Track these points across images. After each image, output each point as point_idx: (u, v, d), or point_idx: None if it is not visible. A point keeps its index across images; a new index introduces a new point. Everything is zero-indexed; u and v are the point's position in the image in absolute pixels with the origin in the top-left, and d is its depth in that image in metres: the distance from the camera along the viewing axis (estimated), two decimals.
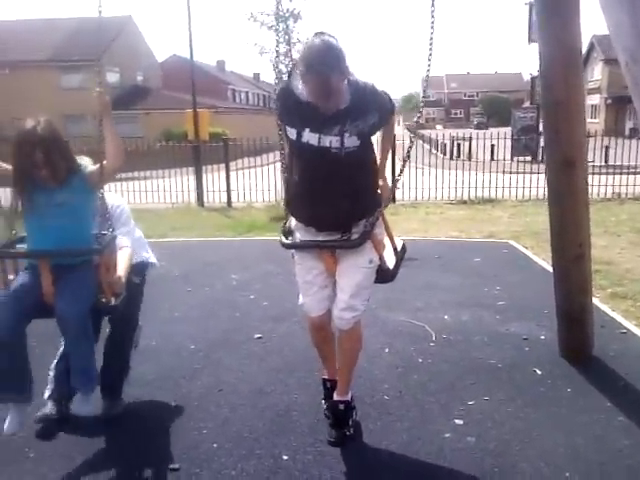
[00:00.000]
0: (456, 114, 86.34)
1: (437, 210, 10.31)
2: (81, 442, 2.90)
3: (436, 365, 3.72)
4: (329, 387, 3.11)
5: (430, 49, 2.71)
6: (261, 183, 11.60)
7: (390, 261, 2.90)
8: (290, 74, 2.65)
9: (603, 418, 3.04)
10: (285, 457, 2.75)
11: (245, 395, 3.37)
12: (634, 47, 1.91)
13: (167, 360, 3.88)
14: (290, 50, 8.96)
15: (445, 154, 18.70)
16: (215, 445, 2.86)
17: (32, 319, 2.63)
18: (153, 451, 2.83)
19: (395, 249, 2.96)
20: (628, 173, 11.35)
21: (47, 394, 3.05)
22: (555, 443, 2.82)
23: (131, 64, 35.99)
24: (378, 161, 2.81)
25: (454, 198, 11.41)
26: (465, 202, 11.18)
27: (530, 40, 21.19)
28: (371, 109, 2.55)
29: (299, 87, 2.52)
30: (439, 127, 62.13)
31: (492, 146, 17.32)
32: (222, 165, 12.27)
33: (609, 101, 35.61)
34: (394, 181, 3.04)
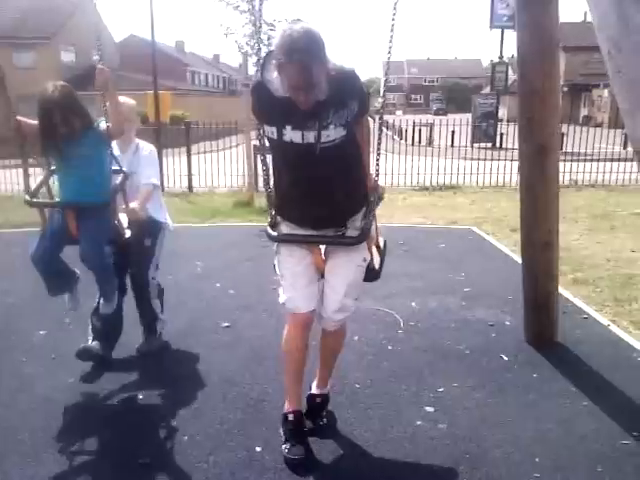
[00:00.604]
0: (416, 99, 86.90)
1: (400, 196, 10.35)
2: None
3: (405, 352, 3.74)
4: (294, 421, 2.71)
5: (391, 33, 2.52)
6: (223, 167, 11.44)
7: (376, 258, 2.78)
8: (263, 67, 2.38)
9: (569, 403, 3.11)
10: (258, 449, 2.72)
11: (215, 385, 3.32)
12: (618, 36, 1.92)
13: (133, 350, 3.78)
14: (256, 31, 8.83)
15: (406, 140, 18.82)
16: (185, 437, 2.81)
17: (65, 246, 3.25)
18: (121, 445, 2.77)
19: (378, 246, 2.85)
20: (585, 160, 11.62)
21: (90, 341, 3.56)
22: (524, 428, 2.87)
23: (87, 43, 34.92)
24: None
25: (416, 184, 11.48)
26: (427, 188, 11.28)
27: (492, 26, 21.45)
28: (353, 96, 2.38)
29: (273, 81, 2.30)
30: (399, 113, 62.38)
31: (452, 132, 17.51)
32: (182, 149, 12.05)
33: (565, 89, 36.34)
34: (377, 174, 2.70)
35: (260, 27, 8.85)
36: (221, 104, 35.58)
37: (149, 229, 3.66)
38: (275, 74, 2.26)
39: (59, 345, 3.89)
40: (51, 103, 2.98)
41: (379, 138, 2.57)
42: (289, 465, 2.57)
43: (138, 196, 3.47)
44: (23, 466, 2.60)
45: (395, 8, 2.48)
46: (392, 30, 2.51)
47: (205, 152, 12.27)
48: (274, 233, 2.68)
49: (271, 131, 2.45)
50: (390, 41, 2.54)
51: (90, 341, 3.57)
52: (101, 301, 3.52)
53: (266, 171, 2.74)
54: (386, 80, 2.74)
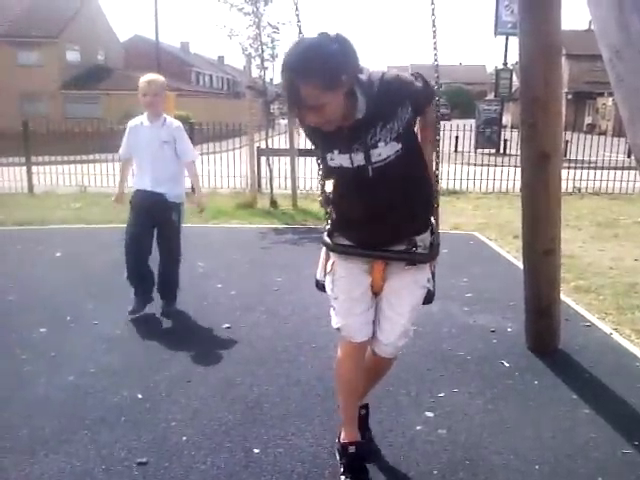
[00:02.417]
0: None
1: None
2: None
3: (406, 356, 3.70)
4: (355, 454, 2.47)
5: (434, 37, 2.28)
6: (226, 169, 11.43)
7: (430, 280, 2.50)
8: None
9: (570, 410, 3.09)
10: (256, 450, 2.70)
11: (214, 386, 3.31)
12: (620, 44, 1.91)
13: (133, 350, 3.79)
14: (260, 34, 8.83)
15: None
16: (184, 438, 2.80)
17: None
18: (119, 444, 2.75)
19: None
20: (589, 168, 11.60)
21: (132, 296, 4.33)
22: (524, 436, 2.85)
23: (92, 43, 35.04)
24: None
25: None
26: None
27: (496, 33, 21.46)
28: (402, 101, 2.07)
29: None
30: None
31: (456, 138, 17.50)
32: None
33: (569, 96, 36.38)
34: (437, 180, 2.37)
35: (264, 29, 8.86)
36: (225, 106, 35.65)
37: (177, 207, 4.27)
38: None
39: (59, 343, 3.88)
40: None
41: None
42: None
43: (192, 177, 4.43)
44: (21, 464, 2.59)
45: (434, 11, 2.27)
46: (434, 35, 2.28)
47: (209, 153, 12.26)
48: (329, 241, 2.37)
49: (322, 157, 2.23)
50: (435, 47, 2.29)
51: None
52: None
53: (321, 176, 2.39)
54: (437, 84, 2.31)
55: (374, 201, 2.20)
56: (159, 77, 4.15)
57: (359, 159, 2.12)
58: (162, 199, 4.21)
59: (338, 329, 2.41)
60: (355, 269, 2.34)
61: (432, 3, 2.28)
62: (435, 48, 2.30)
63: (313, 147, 2.32)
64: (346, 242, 2.35)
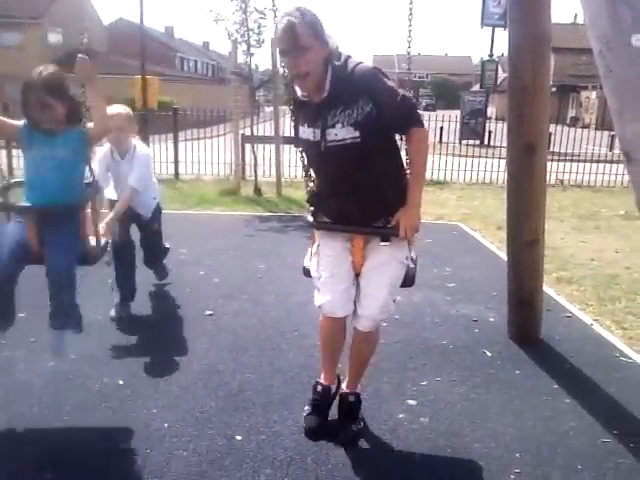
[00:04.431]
0: None
1: None
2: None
3: (389, 345, 3.73)
4: (321, 391, 2.82)
5: (410, 26, 2.66)
6: (210, 155, 11.34)
7: (413, 264, 2.68)
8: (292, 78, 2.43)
9: (551, 400, 3.12)
10: (239, 437, 2.69)
11: (196, 373, 3.29)
12: (610, 35, 1.91)
13: (114, 336, 3.75)
14: (246, 19, 8.74)
15: None
16: (166, 425, 2.78)
17: (25, 266, 2.81)
18: (100, 431, 2.73)
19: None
20: (572, 160, 11.68)
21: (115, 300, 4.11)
22: (505, 424, 2.88)
23: (75, 25, 34.43)
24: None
25: None
26: None
27: (483, 24, 21.46)
28: (363, 93, 2.27)
29: (296, 86, 2.41)
30: None
31: (441, 129, 17.52)
32: (169, 135, 11.92)
33: (553, 89, 36.58)
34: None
35: (250, 14, 8.77)
36: (210, 92, 35.31)
37: (156, 215, 4.23)
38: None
39: (39, 328, 3.81)
40: (34, 89, 2.63)
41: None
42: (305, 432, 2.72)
43: (121, 200, 3.80)
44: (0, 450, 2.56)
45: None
46: (410, 24, 2.66)
47: (193, 139, 12.16)
48: (311, 219, 2.63)
49: (295, 130, 2.52)
50: (409, 36, 2.69)
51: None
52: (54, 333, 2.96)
53: (303, 161, 2.65)
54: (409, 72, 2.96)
55: (333, 175, 2.45)
56: (123, 109, 3.77)
57: (318, 135, 2.36)
58: (141, 218, 4.15)
59: (320, 307, 2.62)
60: (337, 248, 2.56)
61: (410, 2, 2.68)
62: (410, 36, 2.67)
63: (293, 121, 2.56)
64: (326, 219, 2.59)
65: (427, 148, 2.49)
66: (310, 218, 2.63)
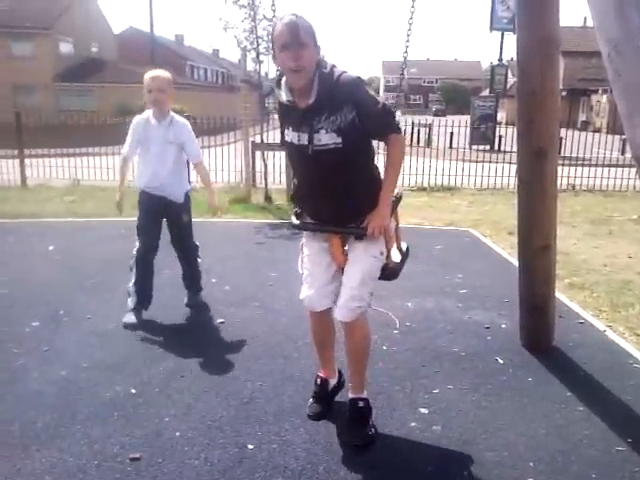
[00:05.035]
0: (415, 100, 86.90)
1: None
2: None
3: (400, 353, 3.72)
4: (319, 384, 3.04)
5: (409, 30, 2.86)
6: (220, 163, 11.38)
7: (396, 259, 2.88)
8: (277, 82, 2.58)
9: (564, 408, 3.09)
10: (250, 446, 2.69)
11: (208, 382, 3.29)
12: (619, 38, 1.90)
13: (126, 344, 3.77)
14: (255, 27, 8.79)
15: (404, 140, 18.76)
16: (178, 434, 2.78)
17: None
18: (112, 439, 2.73)
19: (400, 249, 2.95)
20: (583, 165, 11.61)
21: (130, 306, 4.17)
22: (518, 433, 2.85)
23: (85, 35, 34.82)
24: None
25: (414, 185, 11.46)
26: (425, 189, 11.25)
27: (492, 29, 21.44)
28: (347, 101, 2.43)
29: (282, 92, 2.54)
30: (398, 113, 62.24)
31: (451, 134, 17.50)
32: None
33: (564, 93, 36.44)
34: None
35: (259, 22, 8.81)
36: (220, 99, 35.50)
37: (187, 204, 4.28)
38: (282, 81, 2.51)
39: (52, 337, 3.86)
40: None
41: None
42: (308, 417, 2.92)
43: (203, 178, 4.45)
44: (12, 459, 2.57)
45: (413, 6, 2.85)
46: (410, 25, 2.86)
47: (203, 147, 12.15)
48: (296, 221, 2.82)
49: (282, 131, 2.66)
50: (407, 40, 2.89)
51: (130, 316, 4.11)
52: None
53: (289, 166, 2.89)
54: (401, 77, 3.07)
55: (313, 177, 2.61)
56: (164, 73, 3.99)
57: (304, 139, 2.50)
58: (167, 201, 4.10)
59: (302, 300, 2.86)
60: (315, 248, 2.79)
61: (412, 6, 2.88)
62: (408, 40, 2.90)
63: (280, 124, 2.71)
64: (308, 220, 2.77)
65: (403, 152, 2.69)
66: (294, 218, 2.83)
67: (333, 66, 2.50)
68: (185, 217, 4.25)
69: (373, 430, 2.79)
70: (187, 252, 4.38)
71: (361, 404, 2.84)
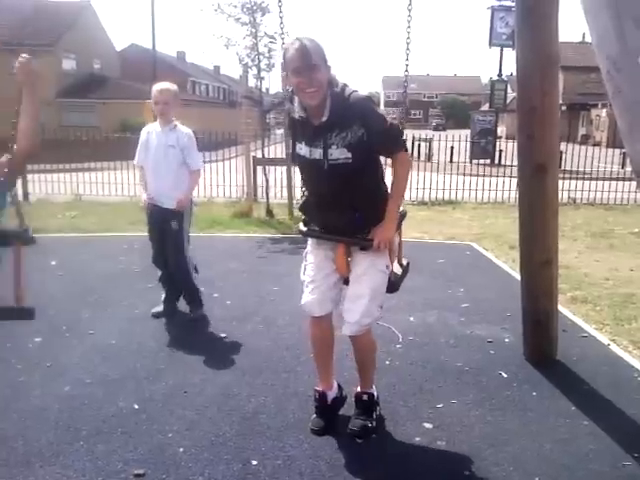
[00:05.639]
0: (415, 115, 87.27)
1: None
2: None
3: (404, 367, 3.71)
4: (318, 397, 3.02)
5: (408, 46, 2.97)
6: (222, 178, 11.42)
7: (397, 272, 2.95)
8: (290, 98, 2.70)
9: (569, 422, 3.08)
10: (254, 462, 2.68)
11: (211, 397, 3.28)
12: (618, 55, 1.91)
13: (129, 360, 3.76)
14: (256, 44, 8.86)
15: None
16: (181, 449, 2.77)
17: None
18: (116, 456, 2.72)
19: (401, 263, 3.03)
20: (583, 179, 11.64)
21: (162, 297, 4.55)
22: (523, 447, 2.84)
23: (88, 51, 35.06)
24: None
25: (415, 199, 11.48)
26: (426, 203, 11.28)
27: (491, 44, 21.60)
28: (356, 119, 2.54)
29: (294, 107, 2.66)
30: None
31: (451, 148, 17.57)
32: None
33: (563, 107, 36.59)
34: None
35: (260, 39, 8.89)
36: (221, 115, 35.65)
37: (177, 213, 4.28)
38: (295, 99, 2.62)
39: (55, 353, 3.85)
40: None
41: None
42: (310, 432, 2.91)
43: (190, 182, 4.32)
44: (16, 476, 2.56)
45: (410, 21, 2.92)
46: (408, 41, 2.96)
47: (204, 162, 12.21)
48: (303, 228, 2.92)
49: (294, 145, 2.76)
50: (407, 59, 3.00)
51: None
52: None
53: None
54: (405, 92, 3.29)
55: (323, 189, 2.70)
56: (171, 86, 4.21)
57: (317, 154, 2.61)
58: (161, 209, 4.27)
59: (302, 306, 2.91)
60: (320, 256, 2.85)
61: (409, 16, 2.94)
62: (407, 57, 3.00)
63: (291, 138, 2.84)
64: (316, 228, 2.85)
65: (409, 170, 2.79)
66: (302, 226, 2.93)
67: (344, 85, 2.60)
68: (174, 224, 4.29)
69: (374, 423, 2.92)
70: (175, 267, 4.43)
71: (365, 397, 2.98)
